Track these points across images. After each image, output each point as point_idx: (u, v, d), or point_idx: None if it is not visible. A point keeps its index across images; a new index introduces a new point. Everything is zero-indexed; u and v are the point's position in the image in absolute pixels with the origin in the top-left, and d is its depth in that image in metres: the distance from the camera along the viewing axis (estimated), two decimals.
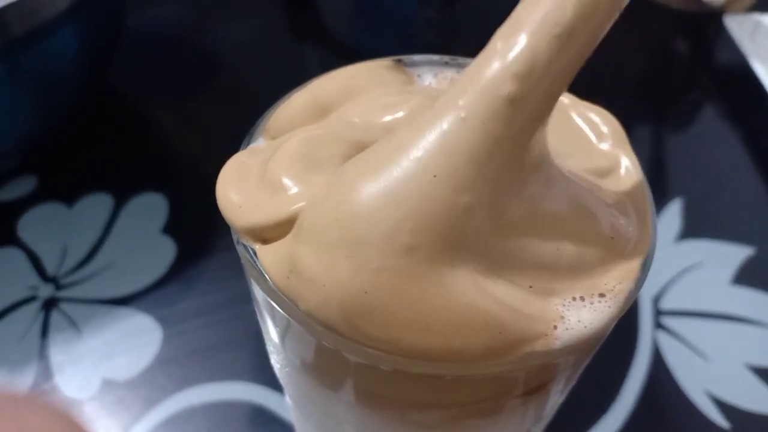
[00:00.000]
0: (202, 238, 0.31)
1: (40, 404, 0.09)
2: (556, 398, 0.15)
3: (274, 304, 0.12)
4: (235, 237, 0.14)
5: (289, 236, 0.13)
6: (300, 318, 0.12)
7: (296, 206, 0.13)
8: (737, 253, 0.31)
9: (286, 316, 0.12)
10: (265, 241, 0.13)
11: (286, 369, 0.15)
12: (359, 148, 0.13)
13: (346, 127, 0.14)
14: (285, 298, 0.12)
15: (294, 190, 0.13)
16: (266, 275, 0.13)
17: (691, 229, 0.32)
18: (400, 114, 0.15)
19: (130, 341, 0.27)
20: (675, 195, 0.33)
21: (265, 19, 0.43)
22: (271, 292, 0.12)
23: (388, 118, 0.15)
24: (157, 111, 0.38)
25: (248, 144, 0.15)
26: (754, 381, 0.27)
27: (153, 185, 0.33)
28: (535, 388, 0.13)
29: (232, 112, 0.37)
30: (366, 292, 0.11)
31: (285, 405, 0.25)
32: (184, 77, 0.40)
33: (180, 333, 0.28)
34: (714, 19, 0.40)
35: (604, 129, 0.15)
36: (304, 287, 0.12)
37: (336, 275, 0.12)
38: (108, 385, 0.26)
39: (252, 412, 0.25)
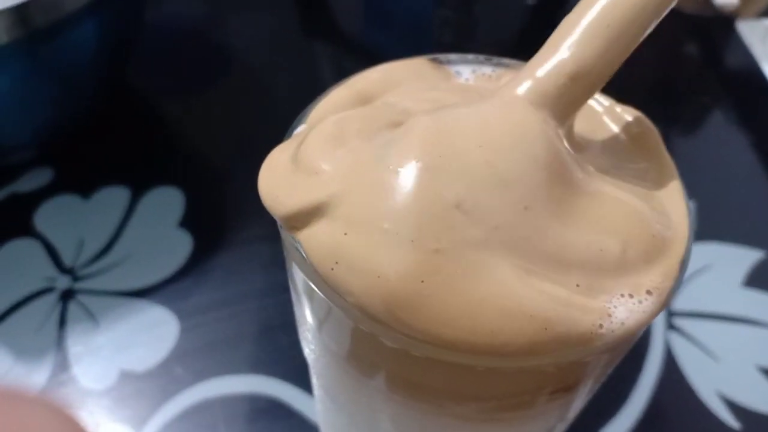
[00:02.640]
0: (219, 232, 0.31)
1: (40, 403, 0.09)
2: (585, 396, 0.16)
3: (318, 291, 0.12)
4: (279, 222, 0.13)
5: (327, 223, 0.12)
6: (344, 306, 0.12)
7: (328, 190, 0.12)
8: (748, 256, 0.31)
9: (329, 303, 0.12)
10: (304, 227, 0.13)
11: (322, 358, 0.15)
12: (392, 127, 0.13)
13: (383, 109, 0.14)
14: (329, 287, 0.12)
15: (325, 172, 0.13)
16: (310, 263, 0.12)
17: (702, 232, 0.32)
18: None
19: (147, 333, 0.28)
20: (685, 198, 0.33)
21: (279, 15, 0.44)
22: (316, 279, 0.12)
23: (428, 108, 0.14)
24: (173, 105, 0.38)
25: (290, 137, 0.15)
26: (765, 382, 0.27)
27: (170, 179, 0.33)
28: (570, 385, 0.14)
29: (246, 106, 0.37)
30: (422, 281, 0.11)
31: (302, 398, 0.26)
32: (199, 73, 0.40)
33: (196, 325, 0.28)
34: (726, 24, 0.41)
35: (639, 130, 0.16)
36: (351, 278, 0.12)
37: (392, 263, 0.11)
38: (125, 376, 0.26)
39: (269, 405, 0.26)
